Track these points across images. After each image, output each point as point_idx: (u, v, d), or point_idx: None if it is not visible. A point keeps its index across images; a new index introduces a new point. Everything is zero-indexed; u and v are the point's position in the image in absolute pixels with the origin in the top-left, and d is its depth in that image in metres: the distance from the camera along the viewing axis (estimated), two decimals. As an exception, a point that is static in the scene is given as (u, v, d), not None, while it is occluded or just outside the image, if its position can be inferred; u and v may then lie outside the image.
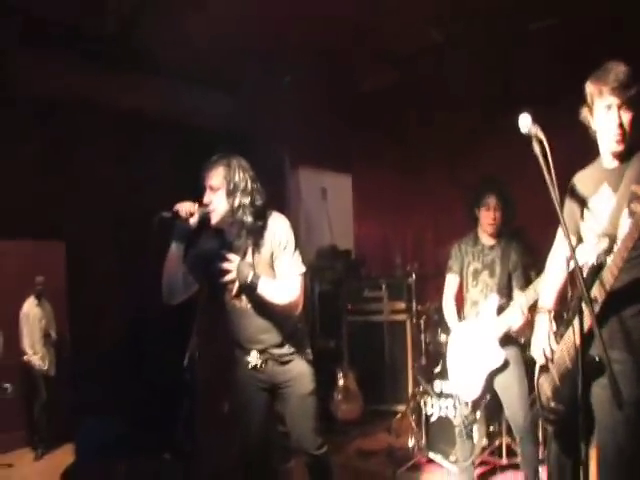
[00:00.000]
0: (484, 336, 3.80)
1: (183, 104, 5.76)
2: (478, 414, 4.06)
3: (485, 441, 4.28)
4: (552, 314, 2.75)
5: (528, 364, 3.61)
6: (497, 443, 4.37)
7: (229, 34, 4.81)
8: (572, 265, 2.52)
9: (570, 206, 2.65)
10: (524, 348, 3.80)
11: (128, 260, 5.18)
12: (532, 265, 4.02)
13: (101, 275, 5.19)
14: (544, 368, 2.69)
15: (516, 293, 3.79)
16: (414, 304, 5.25)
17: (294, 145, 6.45)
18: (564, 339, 2.54)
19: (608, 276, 2.29)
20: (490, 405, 4.08)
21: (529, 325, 3.14)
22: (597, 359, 2.29)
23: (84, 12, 4.51)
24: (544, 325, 2.70)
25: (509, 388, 3.73)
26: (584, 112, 2.49)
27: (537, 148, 2.21)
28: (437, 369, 4.67)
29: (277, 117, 5.83)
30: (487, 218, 3.93)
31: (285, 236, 2.96)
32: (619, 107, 2.35)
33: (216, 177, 2.95)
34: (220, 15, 4.53)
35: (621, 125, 2.37)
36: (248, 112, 5.93)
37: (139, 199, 4.91)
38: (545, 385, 2.64)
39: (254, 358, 3.00)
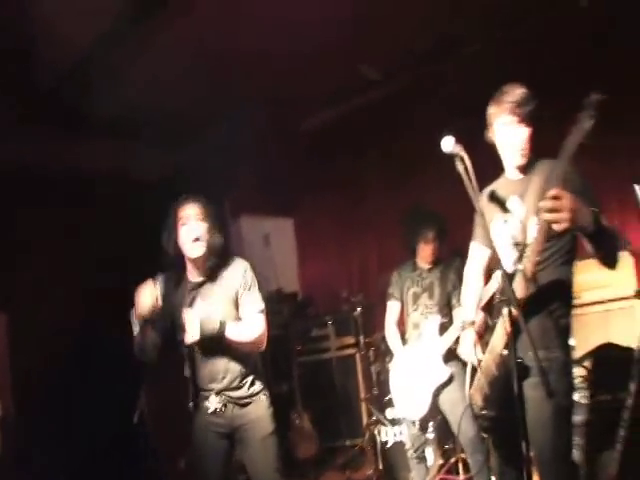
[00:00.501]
0: (427, 356, 3.94)
1: (119, 160, 5.82)
2: (431, 435, 4.16)
3: (441, 460, 4.35)
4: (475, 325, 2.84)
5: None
6: (453, 460, 4.43)
7: (165, 84, 4.91)
8: (496, 275, 2.70)
9: (482, 220, 2.73)
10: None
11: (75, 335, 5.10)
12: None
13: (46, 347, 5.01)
14: (473, 378, 2.76)
15: (456, 310, 3.95)
16: (361, 337, 5.34)
17: (234, 194, 6.56)
18: (489, 347, 2.62)
19: (522, 281, 2.42)
20: (442, 425, 4.17)
21: None
22: (521, 360, 2.39)
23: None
24: (469, 337, 2.80)
25: (455, 402, 3.84)
26: (488, 132, 2.72)
27: (460, 167, 2.38)
28: (388, 397, 4.77)
29: (215, 167, 5.90)
30: (426, 251, 4.12)
31: (249, 276, 3.04)
32: (518, 124, 2.57)
33: (200, 210, 2.98)
34: (156, 69, 4.65)
35: (520, 141, 2.59)
36: (186, 163, 6.03)
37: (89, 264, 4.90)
38: (476, 395, 2.72)
39: (213, 402, 2.99)
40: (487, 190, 2.83)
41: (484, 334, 2.75)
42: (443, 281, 4.11)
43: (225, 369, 2.98)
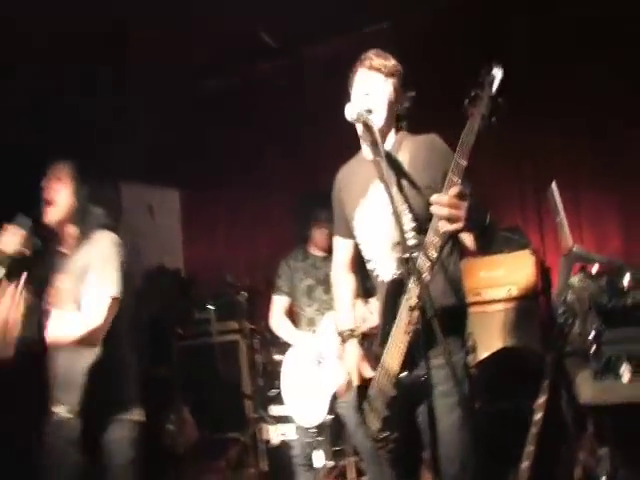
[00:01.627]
0: (324, 357, 3.59)
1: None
2: (321, 437, 3.84)
3: (331, 462, 3.99)
4: (358, 335, 2.53)
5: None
6: (343, 463, 4.08)
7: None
8: (379, 274, 2.36)
9: (340, 208, 2.51)
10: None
11: None
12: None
13: None
14: (362, 396, 2.42)
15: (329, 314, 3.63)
16: (245, 323, 4.95)
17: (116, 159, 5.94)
18: (382, 366, 2.28)
19: (414, 288, 2.07)
20: (334, 426, 3.83)
21: None
22: (423, 379, 2.11)
23: None
24: (353, 351, 2.46)
25: (352, 413, 3.52)
26: None
27: (365, 136, 2.11)
28: (273, 392, 4.41)
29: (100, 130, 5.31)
30: (320, 236, 3.74)
31: (110, 252, 2.53)
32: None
33: (62, 171, 2.57)
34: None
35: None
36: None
37: None
38: (371, 417, 2.37)
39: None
40: (342, 171, 2.57)
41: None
42: None
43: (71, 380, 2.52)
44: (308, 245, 3.85)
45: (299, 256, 3.86)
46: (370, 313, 2.82)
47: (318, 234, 3.76)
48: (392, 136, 2.42)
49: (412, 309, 2.04)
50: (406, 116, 2.44)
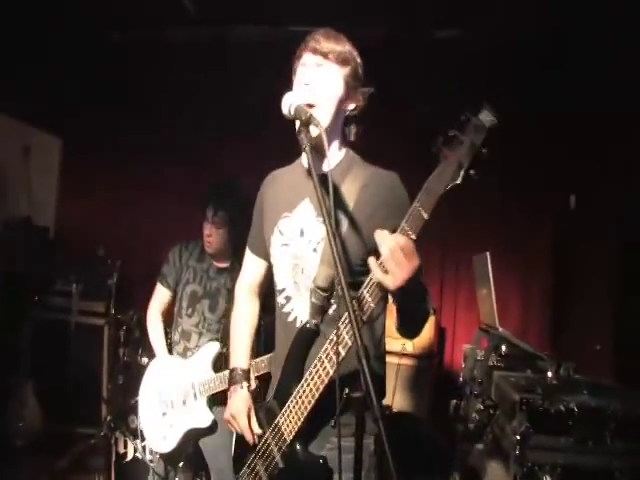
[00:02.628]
0: (192, 386, 3.01)
1: None
2: (180, 464, 3.27)
3: None
4: (253, 382, 2.18)
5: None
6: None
7: None
8: (290, 312, 1.87)
9: (259, 219, 2.02)
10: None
11: None
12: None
13: None
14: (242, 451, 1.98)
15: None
16: (112, 310, 4.25)
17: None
18: (274, 427, 1.85)
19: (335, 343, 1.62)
20: (195, 452, 3.23)
21: None
22: (322, 460, 1.74)
23: None
24: (241, 400, 1.98)
25: (217, 454, 2.98)
26: None
27: (303, 133, 1.62)
28: (135, 400, 3.77)
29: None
30: (205, 232, 3.13)
31: None
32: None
33: None
34: None
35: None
36: None
37: None
38: None
39: None
40: (273, 175, 2.06)
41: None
42: (233, 296, 3.18)
43: None
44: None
45: (195, 252, 3.19)
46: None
47: (204, 230, 3.12)
48: (336, 151, 1.90)
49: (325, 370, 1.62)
50: (359, 122, 1.91)
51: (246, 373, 2.06)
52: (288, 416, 1.78)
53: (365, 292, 1.58)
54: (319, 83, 1.80)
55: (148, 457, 3.38)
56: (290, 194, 1.91)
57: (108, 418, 3.80)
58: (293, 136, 1.71)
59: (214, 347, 3.07)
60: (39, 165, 5.54)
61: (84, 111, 5.33)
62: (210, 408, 2.99)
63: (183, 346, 3.16)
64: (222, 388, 2.91)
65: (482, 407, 2.56)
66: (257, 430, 1.91)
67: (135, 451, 3.57)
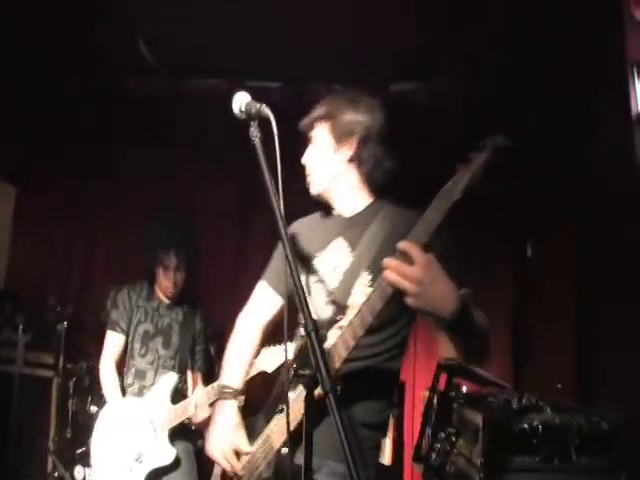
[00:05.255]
0: (150, 424, 2.89)
1: None
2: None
3: None
4: (241, 400, 2.02)
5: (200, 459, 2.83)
6: None
7: None
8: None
9: (281, 260, 1.97)
10: (196, 439, 2.99)
11: None
12: (212, 338, 3.26)
13: None
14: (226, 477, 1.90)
15: (198, 387, 3.00)
16: (61, 359, 4.06)
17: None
18: (262, 436, 1.81)
19: (334, 358, 1.61)
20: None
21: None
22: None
23: None
24: (228, 416, 1.91)
25: None
26: None
27: (255, 134, 1.56)
28: (81, 450, 3.59)
29: None
30: (166, 281, 3.08)
31: None
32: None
33: None
34: None
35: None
36: None
37: None
38: None
39: None
40: (300, 223, 2.08)
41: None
42: (185, 328, 3.11)
43: None
44: (154, 284, 3.15)
45: (143, 292, 3.14)
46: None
47: (164, 280, 3.09)
48: (362, 198, 1.96)
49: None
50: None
51: (237, 392, 1.98)
52: (279, 427, 1.76)
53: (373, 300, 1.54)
54: (307, 161, 1.97)
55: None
56: (322, 236, 1.95)
57: (54, 474, 3.61)
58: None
59: (172, 378, 2.99)
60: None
61: (39, 159, 5.26)
62: (171, 443, 2.88)
63: (138, 385, 3.05)
64: (185, 417, 2.86)
65: (444, 435, 2.48)
66: (245, 446, 1.84)
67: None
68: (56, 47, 4.47)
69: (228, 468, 1.86)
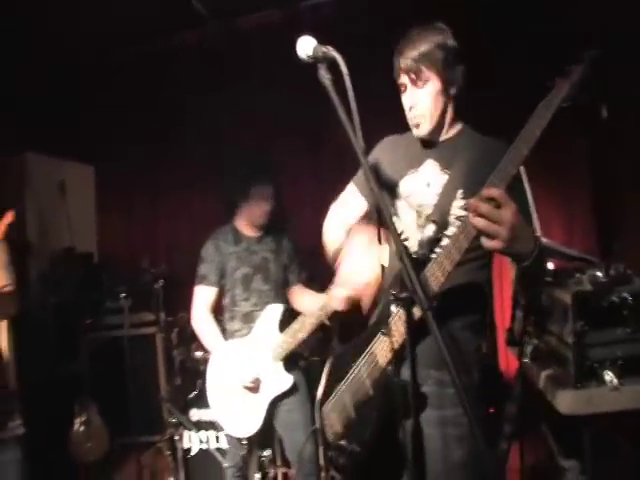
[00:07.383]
0: (263, 358, 2.99)
1: None
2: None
3: (258, 476, 3.37)
4: None
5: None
6: (272, 473, 3.58)
7: None
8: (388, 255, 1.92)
9: (379, 167, 2.06)
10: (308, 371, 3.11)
11: None
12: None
13: None
14: (330, 389, 1.97)
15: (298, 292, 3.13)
16: (162, 314, 4.33)
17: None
18: (366, 355, 1.88)
19: (437, 274, 1.69)
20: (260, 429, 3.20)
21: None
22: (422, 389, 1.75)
23: None
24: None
25: (293, 425, 3.03)
26: None
27: (326, 77, 1.57)
28: (193, 394, 3.80)
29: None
30: (258, 212, 3.11)
31: None
32: (412, 87, 1.95)
33: None
34: None
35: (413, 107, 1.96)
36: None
37: None
38: (333, 416, 1.93)
39: None
40: (388, 140, 2.14)
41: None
42: (279, 255, 3.19)
43: None
44: (237, 222, 3.22)
45: (229, 237, 3.18)
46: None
47: (256, 211, 3.11)
48: (449, 125, 2.02)
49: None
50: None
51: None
52: (383, 341, 1.81)
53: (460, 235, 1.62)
54: (419, 104, 1.94)
55: (226, 446, 3.38)
56: (411, 156, 2.01)
57: (170, 419, 3.85)
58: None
59: (277, 309, 3.08)
60: (75, 195, 5.67)
61: (113, 136, 5.50)
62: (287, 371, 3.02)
63: (247, 329, 3.13)
64: (294, 345, 2.92)
65: (534, 317, 2.51)
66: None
67: (201, 444, 3.60)
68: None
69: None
